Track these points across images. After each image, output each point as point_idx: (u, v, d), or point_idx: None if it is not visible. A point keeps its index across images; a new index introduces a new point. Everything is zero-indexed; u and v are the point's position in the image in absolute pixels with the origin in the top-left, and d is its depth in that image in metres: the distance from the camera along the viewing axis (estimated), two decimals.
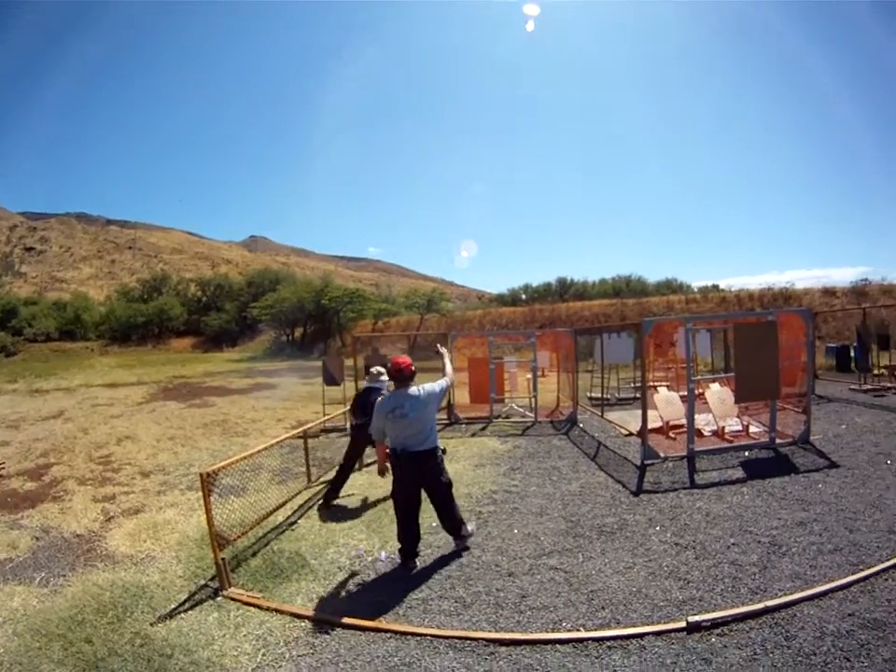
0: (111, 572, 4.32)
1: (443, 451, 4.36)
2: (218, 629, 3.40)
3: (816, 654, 2.81)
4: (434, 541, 4.56)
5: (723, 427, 7.48)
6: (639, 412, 6.76)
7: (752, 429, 7.53)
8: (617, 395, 11.66)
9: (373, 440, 4.40)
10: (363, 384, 6.14)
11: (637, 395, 10.76)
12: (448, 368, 4.47)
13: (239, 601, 3.72)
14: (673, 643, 3.02)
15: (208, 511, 3.93)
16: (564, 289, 41.63)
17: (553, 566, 4.05)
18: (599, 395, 11.18)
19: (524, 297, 41.96)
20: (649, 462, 6.51)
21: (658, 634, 3.11)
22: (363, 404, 5.54)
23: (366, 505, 5.66)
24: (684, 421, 7.10)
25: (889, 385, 11.03)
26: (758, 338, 6.61)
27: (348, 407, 6.70)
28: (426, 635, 3.22)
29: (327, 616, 3.49)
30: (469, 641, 3.14)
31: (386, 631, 3.29)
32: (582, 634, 3.16)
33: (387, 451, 4.17)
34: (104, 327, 47.80)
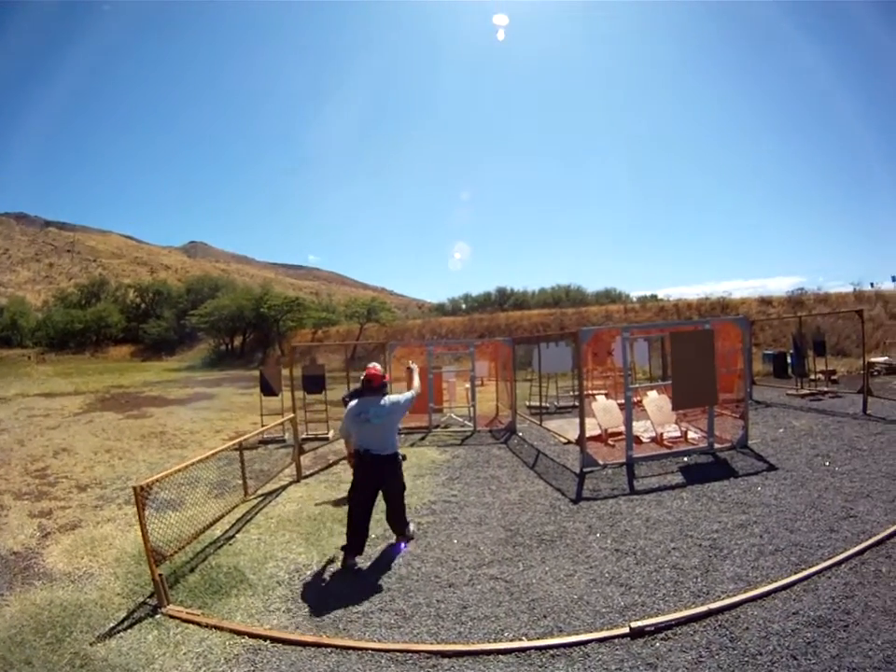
0: (49, 590, 4.15)
1: (403, 457, 4.73)
2: (158, 648, 3.30)
3: (762, 654, 2.77)
4: (373, 553, 4.48)
5: (662, 434, 7.60)
6: (578, 420, 6.75)
7: (691, 435, 7.72)
8: (556, 404, 11.75)
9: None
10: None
11: (576, 403, 10.86)
12: (416, 382, 4.87)
13: (178, 618, 3.61)
14: (617, 649, 2.98)
15: (143, 526, 3.84)
16: (503, 299, 42.12)
17: (494, 575, 3.98)
18: (538, 404, 11.25)
19: (463, 306, 42.42)
20: (588, 469, 6.50)
21: (601, 640, 3.06)
22: None
23: (304, 518, 5.47)
24: (623, 428, 7.15)
25: (825, 389, 11.68)
26: (694, 346, 6.77)
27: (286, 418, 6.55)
28: (367, 649, 3.15)
29: (267, 632, 3.40)
30: (410, 654, 3.06)
31: (328, 646, 3.19)
32: (525, 643, 3.08)
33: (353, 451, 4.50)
34: (40, 333, 46.04)
